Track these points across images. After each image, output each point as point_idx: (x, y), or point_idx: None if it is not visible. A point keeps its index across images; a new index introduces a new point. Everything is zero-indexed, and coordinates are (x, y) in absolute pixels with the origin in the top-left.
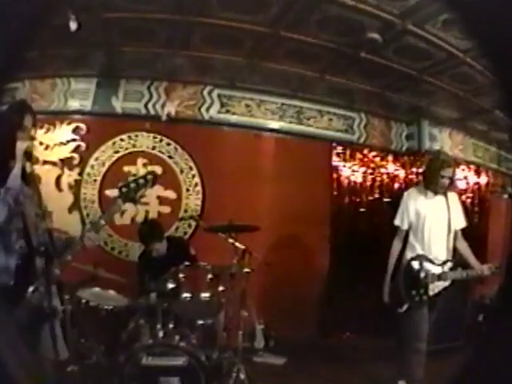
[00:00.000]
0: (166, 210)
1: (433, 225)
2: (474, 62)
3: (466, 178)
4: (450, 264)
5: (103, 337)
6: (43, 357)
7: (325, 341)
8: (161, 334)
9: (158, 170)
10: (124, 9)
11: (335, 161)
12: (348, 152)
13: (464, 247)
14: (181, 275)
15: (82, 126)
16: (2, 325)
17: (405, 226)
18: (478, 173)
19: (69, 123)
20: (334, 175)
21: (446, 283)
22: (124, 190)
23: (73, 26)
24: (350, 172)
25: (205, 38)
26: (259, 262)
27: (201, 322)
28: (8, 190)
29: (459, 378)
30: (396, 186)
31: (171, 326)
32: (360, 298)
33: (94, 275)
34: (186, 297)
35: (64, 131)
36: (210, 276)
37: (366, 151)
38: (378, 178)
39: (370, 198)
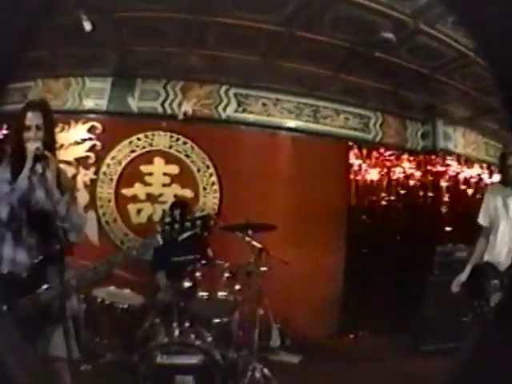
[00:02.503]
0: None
1: (505, 226)
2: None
3: (479, 176)
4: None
5: (118, 335)
6: (51, 355)
7: (339, 339)
8: (176, 332)
9: (175, 168)
10: (136, 8)
11: (352, 159)
12: (364, 151)
13: None
14: (197, 274)
15: (98, 125)
16: (3, 325)
17: (487, 223)
18: (490, 172)
19: (84, 122)
20: (351, 174)
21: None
22: (167, 228)
23: (87, 26)
24: (366, 171)
25: (219, 37)
26: (276, 260)
27: (217, 320)
28: (13, 190)
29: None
30: (411, 184)
31: (187, 324)
32: (375, 296)
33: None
34: (203, 295)
35: (79, 130)
36: (226, 275)
37: (381, 150)
38: (394, 177)
39: (387, 197)
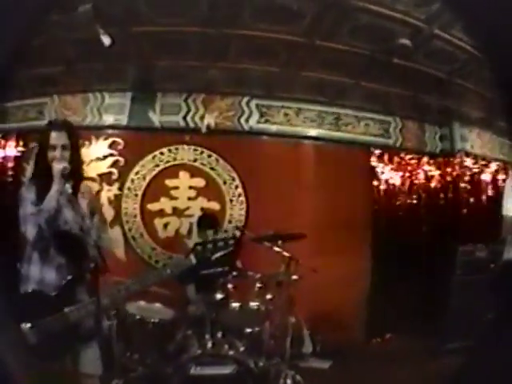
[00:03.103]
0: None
1: None
2: None
3: (494, 175)
4: None
5: (150, 349)
6: (82, 372)
7: (367, 343)
8: (209, 343)
9: (201, 181)
10: (157, 22)
11: (374, 165)
12: (386, 156)
13: None
14: (229, 285)
15: (119, 140)
16: (3, 325)
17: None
18: (505, 171)
19: (105, 138)
20: (374, 180)
21: None
22: (199, 248)
23: (106, 41)
24: (389, 176)
25: (240, 49)
26: (305, 269)
27: (248, 330)
28: (41, 211)
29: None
30: (432, 187)
31: (219, 335)
32: (401, 299)
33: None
34: (235, 306)
35: (100, 146)
36: (258, 285)
37: (402, 154)
38: (416, 181)
39: (409, 200)
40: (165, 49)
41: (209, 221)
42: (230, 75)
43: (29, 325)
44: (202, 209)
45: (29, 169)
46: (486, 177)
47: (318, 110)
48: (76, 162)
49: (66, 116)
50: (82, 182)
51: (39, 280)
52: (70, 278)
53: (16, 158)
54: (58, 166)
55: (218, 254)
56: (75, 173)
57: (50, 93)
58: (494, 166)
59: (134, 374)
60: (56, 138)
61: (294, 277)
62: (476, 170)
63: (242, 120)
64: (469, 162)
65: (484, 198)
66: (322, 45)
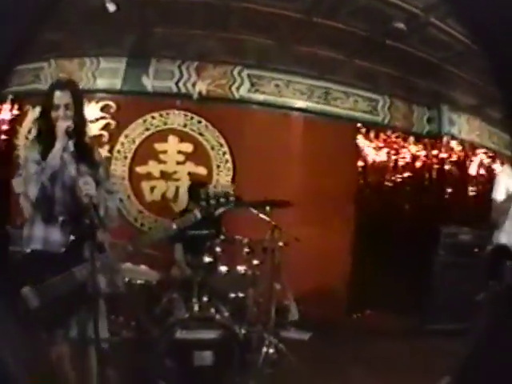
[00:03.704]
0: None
1: None
2: None
3: (481, 161)
4: None
5: (134, 313)
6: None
7: (349, 317)
8: (196, 307)
9: (190, 147)
10: None
11: (360, 141)
12: (372, 133)
13: None
14: (217, 249)
15: (112, 104)
16: (3, 325)
17: (503, 196)
18: (493, 159)
19: (98, 101)
20: (359, 155)
21: None
22: (203, 204)
23: (111, 7)
24: (374, 152)
25: (242, 21)
26: (288, 237)
27: (232, 295)
28: (44, 169)
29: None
30: (417, 167)
31: (205, 299)
32: (383, 276)
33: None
34: (223, 270)
35: (93, 109)
36: (246, 250)
37: (389, 132)
38: (401, 159)
39: (393, 177)
40: (167, 17)
41: (199, 191)
42: (224, 45)
43: (28, 288)
44: (190, 173)
45: (22, 131)
46: (472, 161)
47: (309, 83)
48: (79, 121)
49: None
50: (89, 144)
51: (43, 239)
52: (75, 236)
53: (10, 121)
54: (62, 125)
55: (220, 210)
56: (79, 131)
57: (47, 57)
58: (481, 152)
59: (117, 338)
60: (59, 97)
61: (280, 243)
62: (461, 154)
63: (233, 88)
64: (454, 144)
65: (469, 182)
66: (321, 22)
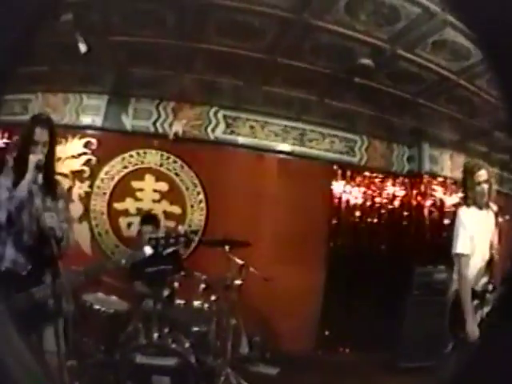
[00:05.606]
0: (171, 224)
1: (482, 247)
2: (468, 83)
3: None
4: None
5: (103, 337)
6: (44, 349)
7: (319, 355)
8: (155, 336)
9: (165, 186)
10: (131, 34)
11: (335, 182)
12: (349, 174)
13: None
14: (175, 284)
15: (93, 140)
16: (2, 325)
17: (468, 251)
18: None
19: (80, 137)
20: (334, 196)
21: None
22: (153, 242)
23: (82, 48)
24: (350, 193)
25: (206, 62)
26: (257, 276)
27: (195, 328)
28: (12, 198)
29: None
30: (395, 207)
31: (166, 330)
32: (355, 314)
33: (99, 280)
34: (180, 303)
35: (76, 145)
36: (203, 285)
37: (366, 173)
38: (378, 200)
39: (369, 219)
40: (139, 58)
41: (149, 219)
42: (200, 85)
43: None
44: (165, 212)
45: (10, 159)
46: (452, 200)
47: (284, 124)
48: (50, 157)
49: (47, 113)
50: (55, 178)
51: (13, 261)
52: (37, 260)
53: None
54: (33, 159)
55: (169, 250)
56: (48, 166)
57: (35, 90)
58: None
59: (91, 359)
60: (39, 134)
61: (237, 282)
62: (442, 193)
63: (209, 129)
64: (435, 185)
65: (446, 221)
66: (284, 62)
